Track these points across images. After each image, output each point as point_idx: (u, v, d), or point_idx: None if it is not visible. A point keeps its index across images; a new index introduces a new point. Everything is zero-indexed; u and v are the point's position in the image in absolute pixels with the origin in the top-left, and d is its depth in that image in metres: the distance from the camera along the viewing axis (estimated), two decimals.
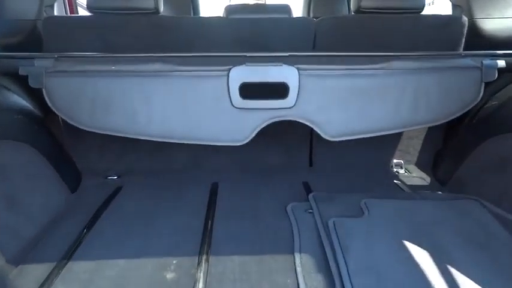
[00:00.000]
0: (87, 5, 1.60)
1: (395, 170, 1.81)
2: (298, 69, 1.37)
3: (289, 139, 1.76)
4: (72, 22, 1.61)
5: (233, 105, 1.38)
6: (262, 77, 1.38)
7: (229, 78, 1.36)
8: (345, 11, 2.70)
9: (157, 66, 1.37)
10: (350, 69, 1.39)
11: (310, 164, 1.84)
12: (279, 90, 1.38)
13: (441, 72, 1.43)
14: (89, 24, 1.63)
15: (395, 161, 1.84)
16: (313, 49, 1.68)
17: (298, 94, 1.38)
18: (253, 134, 1.40)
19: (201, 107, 1.38)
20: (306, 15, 2.73)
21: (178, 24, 1.63)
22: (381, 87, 1.40)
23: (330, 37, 1.68)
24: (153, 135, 1.40)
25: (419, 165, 1.84)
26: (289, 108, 1.39)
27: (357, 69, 1.39)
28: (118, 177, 1.73)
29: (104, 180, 1.70)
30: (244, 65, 1.37)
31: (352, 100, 1.40)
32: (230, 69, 1.37)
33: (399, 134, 1.79)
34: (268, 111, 1.40)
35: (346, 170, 1.76)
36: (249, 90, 1.37)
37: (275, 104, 1.39)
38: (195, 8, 2.60)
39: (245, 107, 1.38)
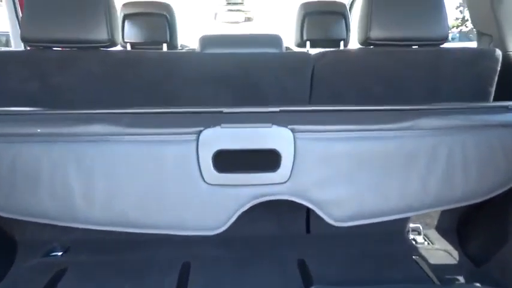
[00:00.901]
0: (21, 37, 1.25)
1: (412, 237, 1.47)
2: (293, 130, 1.01)
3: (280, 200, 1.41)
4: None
5: (205, 181, 1.01)
6: (245, 143, 1.01)
7: (200, 144, 1.00)
8: (342, 33, 2.36)
9: (100, 127, 1.00)
10: (362, 130, 1.03)
11: (308, 230, 1.48)
12: (267, 160, 1.02)
13: (483, 132, 1.08)
14: (23, 59, 1.28)
15: (412, 225, 1.49)
16: (311, 93, 1.33)
17: (293, 165, 1.02)
18: (233, 219, 1.03)
19: (160, 185, 1.01)
20: (299, 38, 2.39)
21: (137, 62, 1.27)
22: (403, 153, 1.05)
23: (332, 77, 1.33)
24: (95, 222, 1.02)
25: (442, 230, 1.50)
26: (282, 183, 1.03)
27: (371, 130, 1.03)
28: (63, 253, 1.36)
29: (43, 260, 1.33)
30: (219, 127, 1.00)
31: (365, 172, 1.04)
32: (200, 131, 1.00)
33: None
34: (253, 188, 1.03)
35: (351, 240, 1.41)
36: (227, 161, 1.01)
37: (262, 178, 1.02)
38: (172, 34, 2.24)
39: (221, 183, 1.01)
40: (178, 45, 2.33)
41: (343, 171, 1.04)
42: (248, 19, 3.47)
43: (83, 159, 1.00)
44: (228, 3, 3.23)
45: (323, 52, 1.35)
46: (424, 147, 1.05)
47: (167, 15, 2.23)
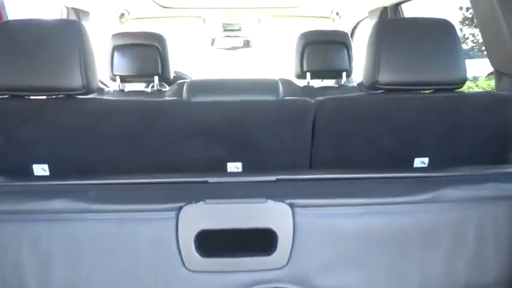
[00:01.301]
0: None
1: None
2: (291, 206, 0.84)
3: None
4: None
5: (186, 268, 0.84)
6: (234, 221, 0.84)
7: (179, 222, 0.83)
8: (344, 63, 2.22)
9: (61, 203, 0.83)
10: (374, 204, 0.86)
11: None
12: (261, 241, 0.85)
13: None
14: None
15: None
16: (313, 145, 1.17)
17: (292, 246, 0.84)
18: None
19: (132, 272, 0.84)
20: (299, 68, 2.25)
21: (114, 111, 1.11)
22: (423, 231, 0.88)
23: (336, 127, 1.17)
24: None
25: None
26: (279, 269, 0.85)
27: (384, 204, 0.87)
28: None
29: None
30: (202, 202, 0.83)
31: (378, 253, 0.87)
32: (180, 208, 0.83)
33: None
34: (245, 275, 0.85)
35: None
36: (212, 242, 0.84)
37: (256, 263, 0.85)
38: (164, 65, 2.11)
39: (206, 269, 0.84)
40: (172, 75, 2.19)
41: (351, 253, 0.87)
42: (246, 44, 3.34)
43: (39, 241, 0.83)
44: (225, 30, 3.10)
45: (325, 99, 1.20)
46: (448, 223, 0.88)
47: (159, 47, 2.09)
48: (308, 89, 2.27)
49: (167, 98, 1.20)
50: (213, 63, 4.00)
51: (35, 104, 1.13)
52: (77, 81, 1.08)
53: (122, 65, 2.11)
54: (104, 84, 2.45)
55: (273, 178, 0.87)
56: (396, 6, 2.24)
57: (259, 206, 0.83)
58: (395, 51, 1.17)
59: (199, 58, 3.99)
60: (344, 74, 2.27)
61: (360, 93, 1.27)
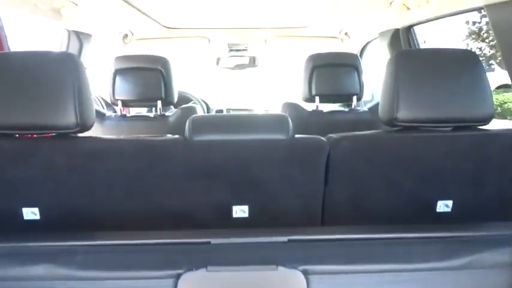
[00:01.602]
0: None
1: None
2: (305, 273, 0.74)
3: None
4: None
5: None
6: None
7: None
8: (355, 87, 2.12)
9: (44, 269, 0.73)
10: (400, 271, 0.76)
11: None
12: None
13: None
14: None
15: None
16: (326, 189, 1.07)
17: None
18: None
19: None
20: (307, 92, 2.15)
21: (110, 151, 1.02)
22: None
23: (352, 168, 1.07)
24: None
25: None
26: None
27: (413, 271, 0.76)
28: None
29: None
30: (204, 269, 0.73)
31: None
32: (179, 276, 0.73)
33: None
34: None
35: None
36: None
37: None
38: (168, 90, 2.03)
39: None
40: (175, 98, 2.11)
41: None
42: (252, 63, 3.26)
43: None
44: (231, 50, 3.03)
45: (340, 137, 1.10)
46: None
47: (162, 70, 2.01)
48: (317, 113, 2.18)
49: (168, 136, 1.10)
50: (218, 82, 3.93)
51: (25, 143, 1.05)
52: (70, 119, 1.00)
53: (123, 89, 2.03)
54: (108, 105, 2.37)
55: (285, 239, 0.77)
56: (409, 28, 2.15)
57: (269, 274, 0.73)
58: (415, 85, 1.07)
59: (203, 77, 3.93)
60: (354, 97, 2.17)
61: (377, 131, 1.16)
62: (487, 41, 11.89)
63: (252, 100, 3.55)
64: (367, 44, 2.82)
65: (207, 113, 3.27)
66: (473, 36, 12.50)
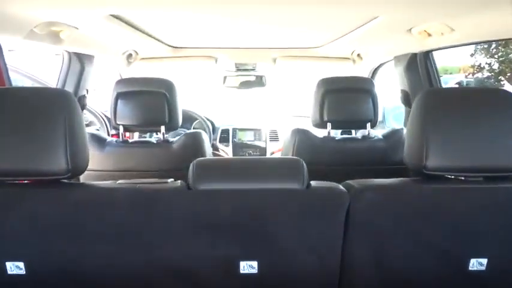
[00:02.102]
0: None
1: None
2: None
3: None
4: None
5: None
6: None
7: None
8: (369, 113, 2.00)
9: None
10: None
11: None
12: None
13: None
14: None
15: None
16: (345, 245, 0.95)
17: None
18: None
19: None
20: (318, 117, 2.04)
21: (103, 202, 0.92)
22: None
23: (375, 222, 0.95)
24: None
25: None
26: None
27: None
28: None
29: None
30: None
31: None
32: None
33: None
34: None
35: None
36: None
37: None
38: (172, 114, 1.93)
39: None
40: (180, 123, 2.00)
41: None
42: (260, 82, 3.17)
43: None
44: (238, 69, 2.94)
45: (363, 187, 0.99)
46: None
47: (166, 94, 1.91)
48: (328, 140, 2.06)
49: (169, 182, 0.99)
50: (225, 100, 3.83)
51: (8, 190, 0.94)
52: (60, 163, 0.89)
53: (125, 114, 1.93)
54: (113, 127, 2.28)
55: None
56: (427, 53, 2.04)
57: None
58: (446, 129, 0.96)
59: (209, 95, 3.84)
60: (368, 124, 2.05)
61: (403, 179, 1.05)
62: (496, 56, 11.76)
63: (259, 118, 3.44)
64: (379, 66, 2.72)
65: (213, 132, 3.16)
66: (483, 51, 12.38)
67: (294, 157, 1.03)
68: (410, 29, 1.69)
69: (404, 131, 2.02)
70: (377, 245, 0.98)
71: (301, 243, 0.97)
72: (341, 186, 1.00)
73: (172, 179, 1.03)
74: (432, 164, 0.95)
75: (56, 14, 1.36)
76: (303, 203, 0.96)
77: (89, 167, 1.90)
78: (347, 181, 1.03)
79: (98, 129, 2.90)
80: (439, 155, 0.95)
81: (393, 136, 2.01)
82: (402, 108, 3.49)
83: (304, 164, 1.01)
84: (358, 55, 2.62)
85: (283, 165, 1.01)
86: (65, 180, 0.97)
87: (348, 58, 2.74)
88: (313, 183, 1.01)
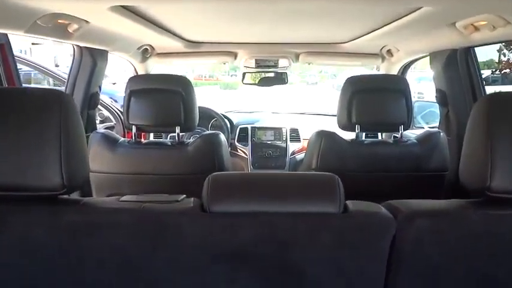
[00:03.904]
0: None
1: None
2: None
3: None
4: None
5: None
6: None
7: None
8: (402, 115, 1.82)
9: None
10: None
11: None
12: None
13: None
14: None
15: None
16: (387, 283, 0.79)
17: None
18: None
19: None
20: (345, 119, 1.86)
21: (102, 225, 0.78)
22: None
23: (427, 258, 0.79)
24: None
25: None
26: None
27: None
28: None
29: None
30: None
31: None
32: None
33: None
34: None
35: None
36: None
37: None
38: (188, 114, 1.82)
39: None
40: (196, 123, 1.86)
41: None
42: (281, 80, 3.00)
43: None
44: (259, 66, 2.78)
45: (412, 212, 0.82)
46: None
47: (182, 92, 1.77)
48: (357, 144, 1.89)
49: (179, 202, 0.85)
50: (244, 97, 3.69)
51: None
52: (53, 177, 0.77)
53: (138, 113, 1.80)
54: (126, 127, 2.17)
55: None
56: (468, 49, 1.84)
57: None
58: None
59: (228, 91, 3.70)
60: (401, 127, 1.87)
61: (462, 201, 0.88)
62: None
63: (280, 116, 3.28)
64: (410, 63, 2.52)
65: (231, 131, 3.02)
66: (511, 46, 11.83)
67: (328, 173, 0.87)
68: (454, 23, 1.50)
69: (441, 134, 1.84)
70: (430, 284, 0.81)
71: (336, 279, 0.81)
72: (384, 209, 0.84)
73: (184, 196, 0.89)
74: (499, 184, 0.78)
75: (60, 4, 1.24)
76: (339, 230, 0.81)
77: (99, 168, 1.81)
78: (390, 201, 0.87)
79: (113, 126, 2.80)
80: (509, 174, 0.78)
81: (429, 140, 1.82)
82: (432, 107, 3.28)
83: (340, 182, 0.85)
84: (389, 51, 2.42)
85: (315, 184, 0.86)
86: (65, 196, 0.84)
87: (377, 54, 2.55)
88: (350, 204, 0.85)
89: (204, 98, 2.58)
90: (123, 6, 1.41)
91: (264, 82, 3.02)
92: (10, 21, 1.21)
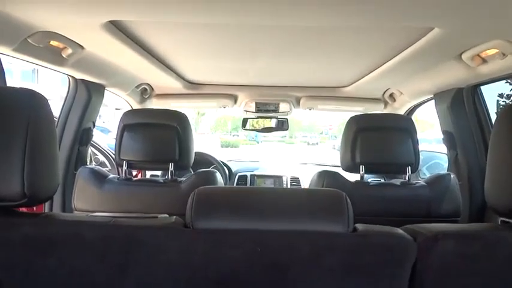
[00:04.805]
0: None
1: None
2: None
3: None
4: None
5: None
6: None
7: None
8: (409, 156, 1.71)
9: None
10: None
11: None
12: None
13: None
14: None
15: None
16: None
17: None
18: None
19: None
20: (349, 159, 1.76)
21: (54, 244, 0.65)
22: None
23: (453, 285, 0.64)
24: None
25: None
26: None
27: None
28: None
29: None
30: None
31: None
32: None
33: None
34: None
35: None
36: None
37: None
38: (183, 150, 1.73)
39: None
40: (192, 160, 1.75)
41: None
42: (282, 127, 2.94)
43: None
44: (259, 110, 2.73)
45: (436, 233, 0.69)
46: None
47: (178, 127, 1.69)
48: (362, 185, 1.76)
49: (158, 218, 0.72)
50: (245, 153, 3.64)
51: None
52: (12, 185, 0.64)
53: (131, 148, 1.70)
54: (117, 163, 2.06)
55: None
56: (475, 88, 1.79)
57: None
58: None
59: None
60: (409, 168, 1.75)
61: (490, 226, 0.75)
62: None
63: (280, 165, 3.18)
64: (414, 108, 2.46)
65: (229, 179, 2.90)
66: None
67: (333, 189, 0.75)
68: (460, 54, 1.45)
69: (452, 176, 1.72)
70: None
71: None
72: (401, 231, 0.71)
73: (165, 215, 0.76)
74: None
75: (53, 21, 1.19)
76: (348, 253, 0.67)
77: (83, 206, 1.67)
78: (408, 225, 0.74)
79: (108, 171, 2.70)
80: None
81: (439, 183, 1.70)
82: (437, 158, 3.18)
83: (348, 199, 0.73)
84: (391, 95, 2.39)
85: (318, 199, 0.73)
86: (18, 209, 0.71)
87: (380, 99, 2.51)
88: (359, 226, 0.72)
89: (202, 144, 2.50)
90: (120, 34, 1.37)
91: (265, 129, 2.97)
92: None
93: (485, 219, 1.83)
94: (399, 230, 0.71)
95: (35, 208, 1.57)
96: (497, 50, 1.30)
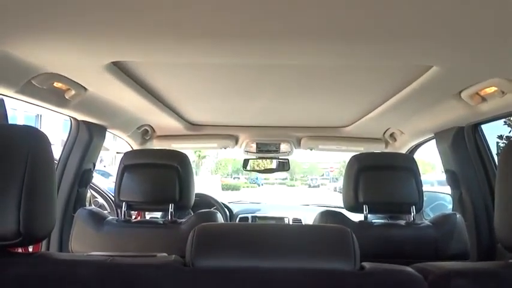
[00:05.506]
0: None
1: None
2: None
3: None
4: None
5: None
6: None
7: None
8: (413, 195, 1.68)
9: None
10: None
11: None
12: None
13: None
14: None
15: None
16: None
17: None
18: None
19: None
20: (352, 199, 1.73)
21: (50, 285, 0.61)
22: None
23: None
24: None
25: None
26: None
27: None
28: None
29: None
30: None
31: None
32: None
33: None
34: None
35: None
36: None
37: None
38: (183, 191, 1.71)
39: None
40: (192, 201, 1.72)
41: None
42: (283, 168, 2.94)
43: None
44: (260, 150, 2.73)
45: (445, 270, 0.66)
46: None
47: (179, 167, 1.67)
48: (366, 226, 1.72)
49: (157, 257, 0.69)
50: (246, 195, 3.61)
51: None
52: (8, 224, 0.62)
53: (130, 189, 1.68)
54: (116, 205, 2.02)
55: None
56: (475, 126, 1.79)
57: None
58: None
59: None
60: (413, 208, 1.72)
61: (502, 264, 0.71)
62: None
63: (284, 207, 3.14)
64: (415, 147, 2.46)
65: (230, 221, 2.85)
66: None
67: (338, 225, 0.73)
68: (459, 92, 1.47)
69: (457, 215, 1.68)
70: None
71: None
72: (411, 269, 0.67)
73: (164, 254, 0.73)
74: None
75: (56, 62, 1.21)
76: None
77: (80, 248, 1.62)
78: (417, 264, 0.71)
79: (108, 214, 2.66)
80: None
81: (445, 223, 1.66)
82: (440, 199, 3.13)
83: (354, 236, 0.71)
84: (392, 135, 2.39)
85: (323, 235, 0.71)
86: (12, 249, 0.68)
87: (380, 139, 2.52)
88: (366, 264, 0.69)
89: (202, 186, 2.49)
90: (122, 75, 1.40)
91: (266, 170, 2.96)
92: (1, 78, 1.16)
93: (495, 259, 1.77)
94: (408, 269, 0.68)
95: (30, 249, 1.52)
96: (497, 88, 1.31)
